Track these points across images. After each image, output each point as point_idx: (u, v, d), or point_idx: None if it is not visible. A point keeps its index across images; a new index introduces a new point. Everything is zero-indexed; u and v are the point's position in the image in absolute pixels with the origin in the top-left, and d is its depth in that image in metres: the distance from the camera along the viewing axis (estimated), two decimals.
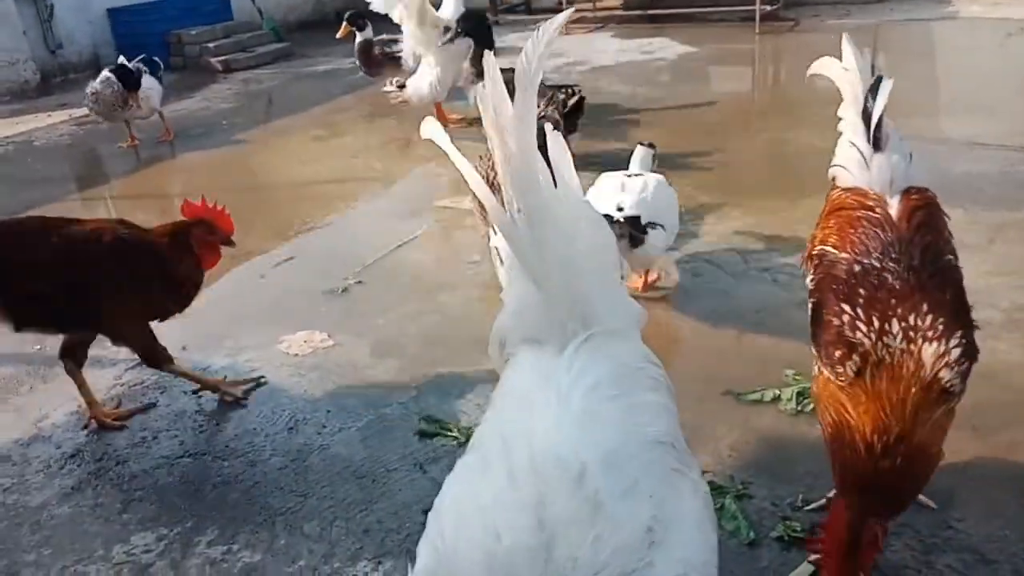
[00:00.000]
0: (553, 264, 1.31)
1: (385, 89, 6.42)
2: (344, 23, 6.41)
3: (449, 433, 2.54)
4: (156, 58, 6.38)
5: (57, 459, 2.59)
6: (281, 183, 5.24)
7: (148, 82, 5.97)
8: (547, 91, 4.30)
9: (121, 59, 6.09)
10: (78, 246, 2.55)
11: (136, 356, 2.78)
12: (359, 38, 6.46)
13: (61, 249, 2.52)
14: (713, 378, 2.64)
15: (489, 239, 1.65)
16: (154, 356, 2.70)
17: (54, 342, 3.32)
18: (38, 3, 8.95)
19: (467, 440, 2.47)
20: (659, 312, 3.12)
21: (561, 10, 10.71)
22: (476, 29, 5.75)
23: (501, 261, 1.52)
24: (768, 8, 8.95)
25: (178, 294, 2.70)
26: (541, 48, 1.34)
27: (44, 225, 2.62)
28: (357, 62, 7.18)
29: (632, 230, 2.95)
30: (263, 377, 2.94)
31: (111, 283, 2.56)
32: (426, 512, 2.21)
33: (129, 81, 5.79)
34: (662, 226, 3.04)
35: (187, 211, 2.72)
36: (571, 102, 4.73)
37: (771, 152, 5.13)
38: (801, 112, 5.71)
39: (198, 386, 2.85)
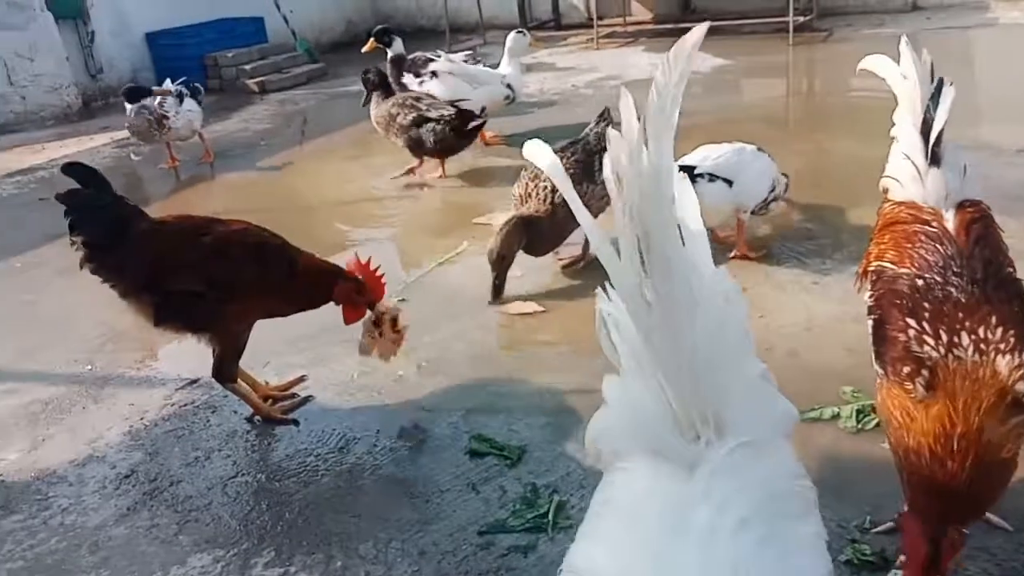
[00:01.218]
0: (689, 357, 1.06)
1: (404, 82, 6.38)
2: (371, 39, 6.43)
3: (500, 453, 2.52)
4: (197, 84, 6.49)
5: (112, 479, 2.61)
6: (319, 202, 5.28)
7: (189, 104, 6.07)
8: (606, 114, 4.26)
9: (130, 85, 6.26)
10: (228, 246, 2.65)
11: (213, 361, 2.75)
12: (390, 54, 6.51)
13: (213, 247, 2.63)
14: None
15: (600, 301, 1.35)
16: (228, 369, 2.73)
17: (102, 362, 3.39)
18: (80, 29, 9.17)
19: (518, 460, 2.47)
20: None
21: (590, 26, 10.78)
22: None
23: (610, 332, 1.32)
24: (801, 19, 8.88)
25: (293, 304, 2.77)
26: (675, 80, 1.06)
27: (197, 224, 2.72)
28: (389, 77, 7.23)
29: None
30: (310, 396, 2.95)
31: (246, 282, 2.64)
32: (481, 534, 2.22)
33: (133, 96, 5.96)
34: (727, 181, 3.39)
35: (350, 265, 2.77)
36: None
37: (813, 163, 5.07)
38: (840, 122, 5.65)
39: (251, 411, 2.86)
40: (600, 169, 3.85)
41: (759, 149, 3.65)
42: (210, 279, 2.60)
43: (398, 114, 5.21)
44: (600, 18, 10.15)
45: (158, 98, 5.96)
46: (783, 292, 3.33)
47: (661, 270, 1.05)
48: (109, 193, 2.64)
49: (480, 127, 5.37)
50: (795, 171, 4.92)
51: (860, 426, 2.41)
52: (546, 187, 3.58)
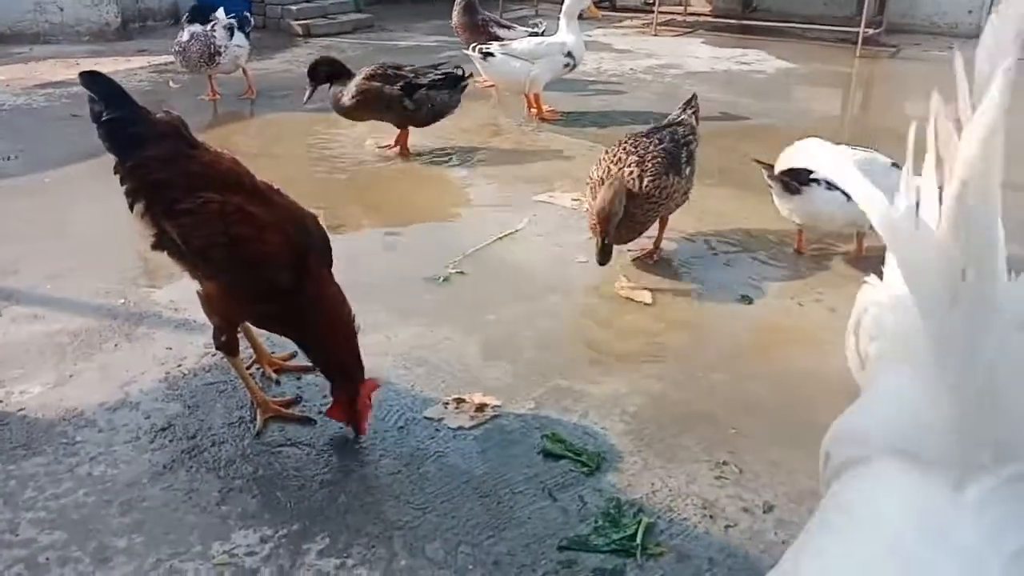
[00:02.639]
0: (981, 367, 0.91)
1: (466, 52, 6.09)
2: None
3: (577, 458, 2.28)
4: (247, 14, 6.20)
5: (147, 431, 2.37)
6: (366, 158, 5.00)
7: (239, 39, 5.81)
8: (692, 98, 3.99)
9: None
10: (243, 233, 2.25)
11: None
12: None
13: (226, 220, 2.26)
14: None
15: (864, 293, 1.15)
16: (220, 338, 2.37)
17: (136, 298, 3.14)
18: None
19: (597, 468, 2.23)
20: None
21: (647, 10, 10.45)
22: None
23: (862, 329, 1.11)
24: (869, 32, 8.57)
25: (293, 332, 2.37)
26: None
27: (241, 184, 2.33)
28: (454, 22, 6.91)
29: (790, 180, 3.29)
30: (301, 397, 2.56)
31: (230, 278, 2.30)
32: (561, 549, 1.99)
33: (196, 16, 5.72)
34: (844, 193, 3.22)
35: (368, 385, 2.30)
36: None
37: None
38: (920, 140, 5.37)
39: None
40: (687, 161, 3.58)
41: (893, 164, 3.27)
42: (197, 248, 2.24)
43: (382, 87, 4.74)
44: (660, 3, 9.82)
45: (210, 25, 5.70)
46: None
47: (980, 263, 0.90)
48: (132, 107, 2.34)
49: (466, 85, 5.00)
50: None
51: None
52: (632, 172, 3.31)
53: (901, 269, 0.99)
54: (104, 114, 2.31)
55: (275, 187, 2.39)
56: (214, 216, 2.21)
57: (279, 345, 2.74)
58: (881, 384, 1.09)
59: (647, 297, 3.24)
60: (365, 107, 4.81)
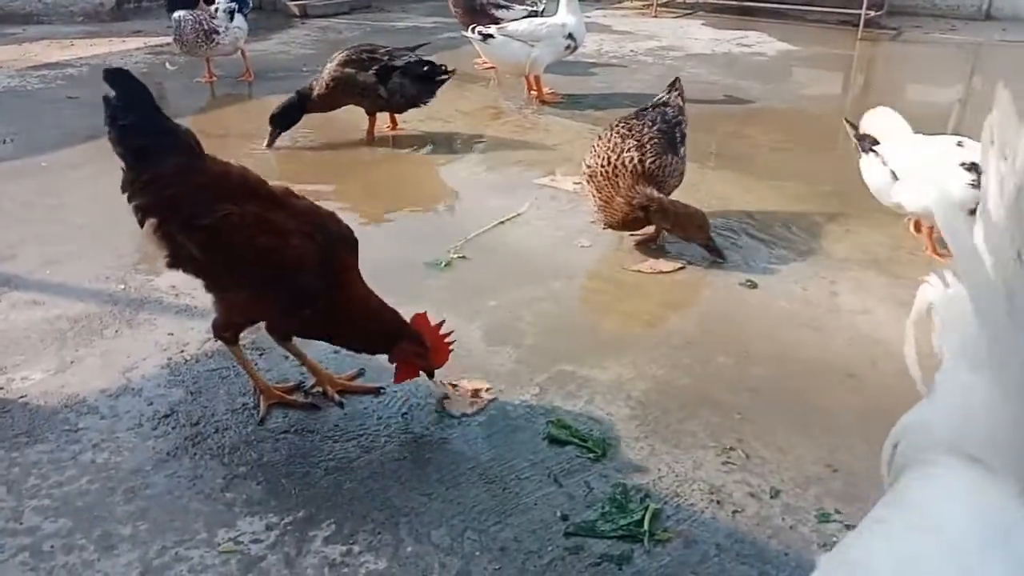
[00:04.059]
0: None
1: (465, 34, 6.01)
2: None
3: (583, 444, 2.27)
4: None
5: (149, 417, 2.35)
6: (363, 142, 4.95)
7: (239, 21, 5.79)
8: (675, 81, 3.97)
9: None
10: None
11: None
12: None
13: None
14: None
15: (927, 291, 1.11)
16: (224, 332, 2.33)
17: (136, 283, 3.12)
18: None
19: (603, 455, 2.22)
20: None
21: None
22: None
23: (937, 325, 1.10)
24: (871, 14, 8.50)
25: (326, 333, 2.34)
26: None
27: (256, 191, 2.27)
28: (452, 3, 6.81)
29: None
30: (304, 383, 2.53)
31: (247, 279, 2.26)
32: (568, 535, 1.99)
33: (176, 2, 5.67)
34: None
35: (416, 321, 2.30)
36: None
37: None
38: (918, 122, 5.33)
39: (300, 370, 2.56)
40: (681, 141, 3.57)
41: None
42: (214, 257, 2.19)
43: (355, 74, 4.63)
44: None
45: (211, 9, 5.67)
46: (881, 303, 3.08)
47: None
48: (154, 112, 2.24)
49: (444, 81, 4.88)
50: None
51: None
52: (632, 157, 3.29)
53: (957, 259, 0.97)
54: (120, 118, 2.20)
55: (290, 189, 2.33)
56: (237, 229, 2.15)
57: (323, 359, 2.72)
58: (948, 384, 1.08)
59: (674, 265, 3.33)
60: (339, 94, 4.71)
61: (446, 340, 2.30)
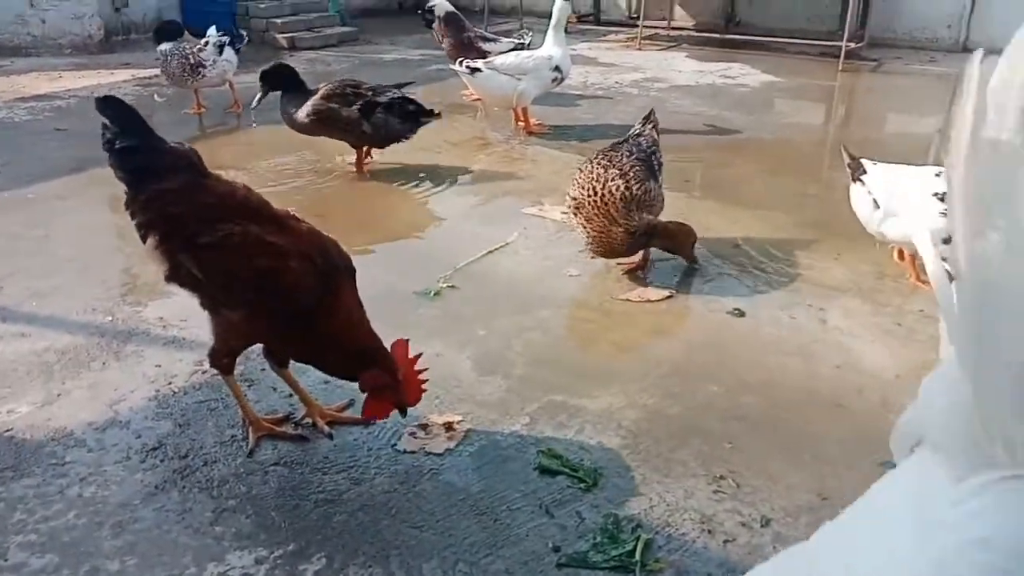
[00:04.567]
0: (992, 357, 0.90)
1: (453, 67, 6.07)
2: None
3: (574, 474, 2.27)
4: (243, 31, 6.34)
5: (137, 450, 2.33)
6: (351, 173, 4.98)
7: (228, 54, 5.87)
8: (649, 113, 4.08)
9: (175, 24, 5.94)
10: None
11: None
12: (438, 13, 6.18)
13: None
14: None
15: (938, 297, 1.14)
16: (219, 359, 2.32)
17: (124, 315, 3.11)
18: None
19: (594, 485, 2.22)
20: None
21: (631, 25, 10.53)
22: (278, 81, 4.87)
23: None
24: (852, 46, 8.67)
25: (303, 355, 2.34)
26: None
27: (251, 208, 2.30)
28: (438, 34, 6.90)
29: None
30: (293, 414, 2.51)
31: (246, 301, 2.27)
32: (560, 566, 1.98)
33: (163, 36, 5.78)
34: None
35: (394, 347, 2.26)
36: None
37: None
38: (899, 152, 5.42)
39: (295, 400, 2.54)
40: (659, 170, 3.66)
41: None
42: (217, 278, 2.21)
43: (339, 108, 4.64)
44: (643, 18, 9.90)
45: (198, 44, 5.75)
46: (866, 334, 3.11)
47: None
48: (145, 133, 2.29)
49: (429, 122, 4.90)
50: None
51: None
52: (618, 186, 3.34)
53: (936, 285, 1.00)
54: (118, 142, 2.25)
55: (291, 213, 2.35)
56: (237, 249, 2.16)
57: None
58: (930, 380, 1.10)
59: (662, 294, 3.36)
60: (320, 126, 4.75)
61: (420, 377, 2.25)
